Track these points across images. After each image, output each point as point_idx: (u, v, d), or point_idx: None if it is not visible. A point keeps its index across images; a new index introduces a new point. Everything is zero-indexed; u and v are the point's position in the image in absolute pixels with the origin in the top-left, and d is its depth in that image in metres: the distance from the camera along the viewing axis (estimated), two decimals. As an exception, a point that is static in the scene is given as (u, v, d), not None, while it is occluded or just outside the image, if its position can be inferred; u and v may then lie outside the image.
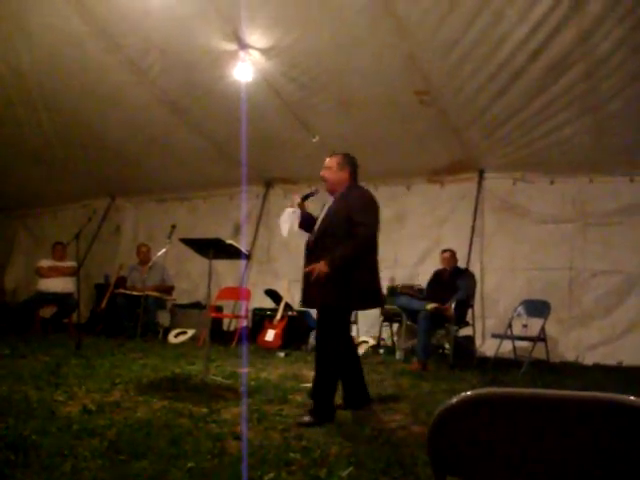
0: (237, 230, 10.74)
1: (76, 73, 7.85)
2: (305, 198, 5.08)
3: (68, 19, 6.88)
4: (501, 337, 8.00)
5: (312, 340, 8.76)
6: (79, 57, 7.52)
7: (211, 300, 6.85)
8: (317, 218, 4.91)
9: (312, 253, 4.71)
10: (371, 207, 4.73)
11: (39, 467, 3.10)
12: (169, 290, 10.55)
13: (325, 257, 4.49)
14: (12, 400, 4.58)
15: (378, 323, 9.34)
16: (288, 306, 9.56)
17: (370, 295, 4.77)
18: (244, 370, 6.72)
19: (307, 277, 4.62)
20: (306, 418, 4.41)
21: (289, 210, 4.98)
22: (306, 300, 4.82)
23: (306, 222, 4.99)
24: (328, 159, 4.93)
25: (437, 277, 8.58)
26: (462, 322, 8.25)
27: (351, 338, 5.14)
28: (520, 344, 8.14)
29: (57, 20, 6.93)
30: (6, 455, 3.20)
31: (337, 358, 4.66)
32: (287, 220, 4.95)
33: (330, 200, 4.89)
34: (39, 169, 10.71)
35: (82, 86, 8.16)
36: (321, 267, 4.46)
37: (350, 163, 4.93)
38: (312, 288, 4.59)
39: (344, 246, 4.53)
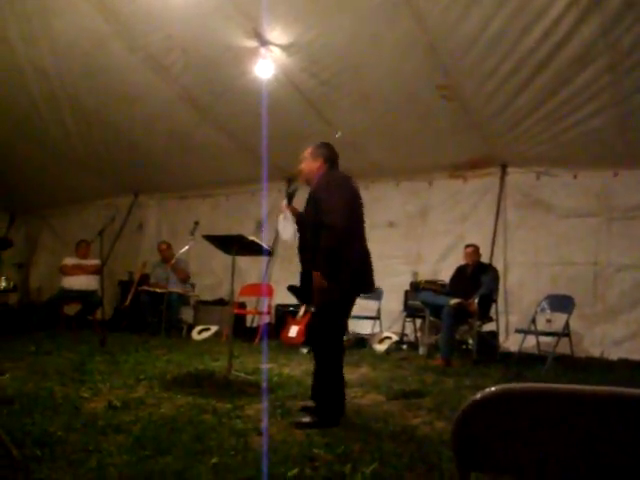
0: (259, 226, 10.75)
1: (99, 72, 7.90)
2: (289, 200, 4.93)
3: (90, 19, 6.93)
4: (525, 332, 7.95)
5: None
6: (102, 56, 7.57)
7: (234, 296, 6.87)
8: None
9: (303, 248, 4.71)
10: (335, 190, 4.49)
11: (65, 463, 3.12)
12: (187, 277, 10.61)
13: (311, 256, 4.47)
14: (38, 397, 4.62)
15: (401, 319, 9.33)
16: (311, 302, 9.56)
17: (359, 279, 4.60)
18: (266, 366, 6.74)
19: (303, 276, 4.63)
20: (305, 419, 4.28)
21: (280, 218, 4.92)
22: (305, 298, 4.82)
23: (304, 221, 4.80)
24: (304, 152, 4.89)
25: (460, 272, 8.55)
26: (485, 317, 8.22)
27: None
28: (544, 339, 8.10)
29: (80, 20, 6.98)
30: (32, 451, 3.24)
31: (339, 354, 4.50)
32: (283, 227, 4.90)
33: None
34: (62, 168, 10.79)
35: (105, 85, 8.21)
36: (319, 283, 4.37)
37: (323, 152, 4.81)
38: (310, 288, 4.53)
39: (320, 251, 4.39)
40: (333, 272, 4.37)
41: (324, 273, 4.34)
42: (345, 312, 4.62)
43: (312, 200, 4.60)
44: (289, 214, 4.86)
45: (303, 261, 4.67)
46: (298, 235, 4.83)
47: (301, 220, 4.81)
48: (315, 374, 4.55)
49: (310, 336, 4.78)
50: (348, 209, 4.45)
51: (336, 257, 4.37)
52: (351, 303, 4.66)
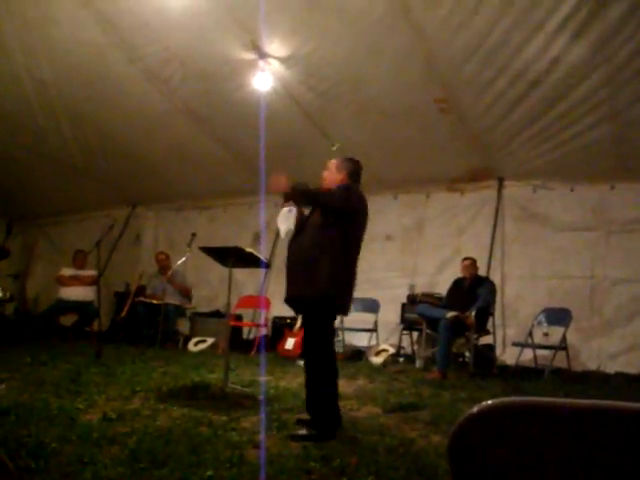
0: (257, 238, 10.74)
1: (97, 83, 7.92)
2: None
3: (89, 30, 6.95)
4: (522, 345, 7.96)
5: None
6: (100, 67, 7.59)
7: (231, 309, 6.86)
8: None
9: (293, 260, 4.72)
10: (350, 194, 4.62)
11: (59, 475, 3.11)
12: (188, 292, 10.62)
13: (311, 251, 4.51)
14: (33, 408, 4.60)
15: (398, 331, 9.32)
16: (307, 314, 9.54)
17: (341, 295, 4.58)
18: (263, 378, 6.72)
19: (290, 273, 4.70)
20: (301, 432, 4.25)
21: (285, 210, 4.85)
22: (291, 300, 4.80)
23: (303, 222, 4.84)
24: (331, 160, 4.90)
25: (457, 285, 8.55)
26: (482, 330, 8.22)
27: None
28: (541, 353, 8.10)
29: (78, 31, 7.00)
30: (27, 462, 3.21)
31: (332, 364, 4.48)
32: (284, 220, 4.83)
33: None
34: (60, 178, 10.81)
35: (103, 96, 8.23)
36: (281, 180, 4.56)
37: (348, 166, 4.83)
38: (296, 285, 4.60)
39: (316, 189, 4.63)
40: (332, 285, 4.42)
41: (292, 187, 4.57)
42: (330, 323, 4.63)
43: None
44: (295, 209, 4.82)
45: (290, 278, 4.70)
46: (291, 235, 4.79)
47: (301, 221, 4.79)
48: (308, 386, 4.53)
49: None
50: (352, 209, 4.59)
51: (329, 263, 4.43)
52: (334, 317, 4.74)
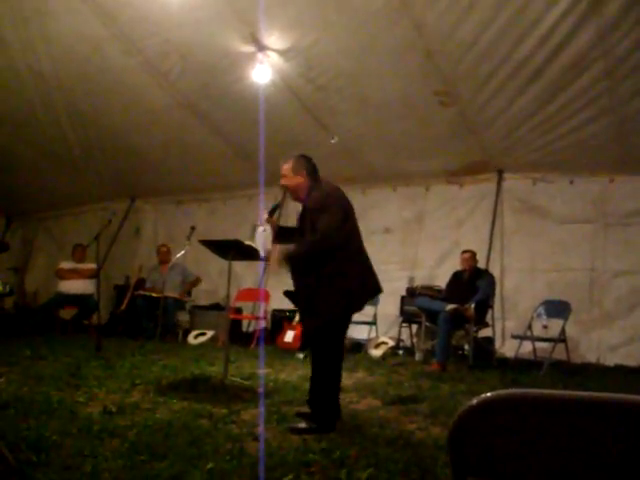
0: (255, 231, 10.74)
1: (96, 76, 7.90)
2: (272, 213, 4.77)
3: (88, 22, 6.92)
4: (521, 338, 7.96)
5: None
6: (99, 60, 7.57)
7: (230, 301, 6.86)
8: (295, 228, 4.74)
9: (295, 270, 4.55)
10: (329, 204, 4.45)
11: (60, 467, 3.12)
12: (196, 283, 10.70)
13: (310, 270, 4.40)
14: (33, 401, 4.61)
15: (397, 324, 9.32)
16: (307, 307, 9.53)
17: (358, 296, 4.57)
18: (262, 371, 6.73)
19: (300, 293, 4.56)
20: (301, 424, 4.26)
21: (259, 230, 4.78)
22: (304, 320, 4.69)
23: (282, 235, 4.75)
24: (284, 167, 4.70)
25: (456, 278, 8.55)
26: (482, 323, 8.23)
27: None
28: (540, 345, 8.10)
29: (77, 24, 6.97)
30: (27, 455, 3.23)
31: (339, 360, 4.51)
32: (261, 241, 4.79)
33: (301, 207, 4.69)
34: (59, 171, 10.79)
35: (102, 89, 8.21)
36: (275, 263, 4.46)
37: (303, 165, 4.69)
38: (305, 310, 4.53)
39: (301, 243, 4.48)
40: (336, 289, 4.38)
41: (285, 256, 4.43)
42: (345, 324, 4.62)
43: (308, 218, 4.53)
44: (269, 227, 4.72)
45: (295, 276, 4.59)
46: (270, 247, 4.76)
47: (283, 234, 4.72)
48: (313, 380, 4.51)
49: (306, 341, 4.67)
50: (339, 218, 4.43)
51: (333, 275, 4.38)
52: (350, 316, 4.67)
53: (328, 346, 4.45)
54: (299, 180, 4.64)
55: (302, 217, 4.64)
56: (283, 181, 4.68)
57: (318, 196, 4.52)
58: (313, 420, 4.30)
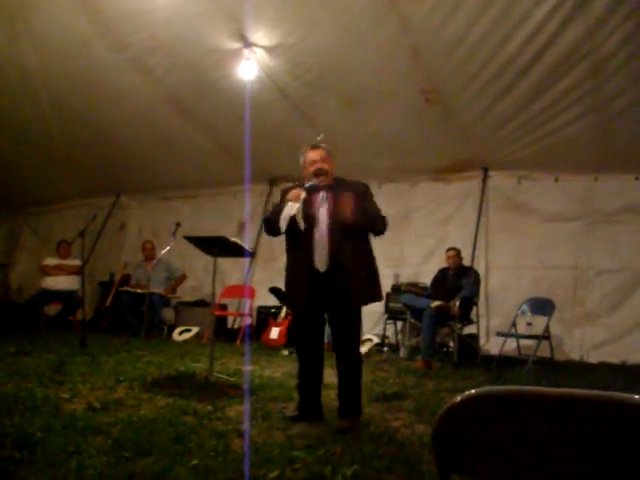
0: (241, 228, 10.73)
1: (82, 72, 7.86)
2: (311, 191, 4.60)
3: (74, 18, 6.89)
4: (505, 335, 7.99)
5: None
6: (85, 56, 7.53)
7: (215, 298, 6.85)
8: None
9: (333, 242, 4.46)
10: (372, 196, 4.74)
11: (44, 464, 3.11)
12: (181, 280, 10.69)
13: (347, 252, 4.44)
14: (17, 397, 4.59)
15: (382, 321, 9.33)
16: (292, 304, 9.54)
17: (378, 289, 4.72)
18: (247, 368, 6.72)
19: (333, 283, 4.45)
20: (344, 424, 4.28)
21: (294, 207, 4.47)
22: (332, 305, 4.56)
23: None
24: (319, 151, 4.69)
25: (442, 275, 8.57)
26: (466, 320, 8.26)
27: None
28: (524, 342, 8.14)
29: (63, 19, 6.94)
30: (11, 452, 3.22)
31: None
32: (290, 216, 4.63)
33: (322, 193, 4.61)
34: (45, 167, 10.74)
35: (88, 85, 8.17)
36: (348, 199, 4.44)
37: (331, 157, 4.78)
38: (339, 295, 4.45)
39: (373, 216, 4.59)
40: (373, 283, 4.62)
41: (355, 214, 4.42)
42: None
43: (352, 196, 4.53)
44: (300, 205, 4.53)
45: (331, 259, 4.48)
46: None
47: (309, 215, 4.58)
48: (343, 381, 4.51)
49: (309, 338, 4.62)
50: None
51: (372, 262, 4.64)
52: None
53: (358, 341, 4.67)
54: (332, 168, 4.70)
55: (334, 201, 4.56)
56: (326, 164, 4.64)
57: (367, 186, 4.76)
58: (354, 416, 4.41)
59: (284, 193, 4.73)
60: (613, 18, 5.91)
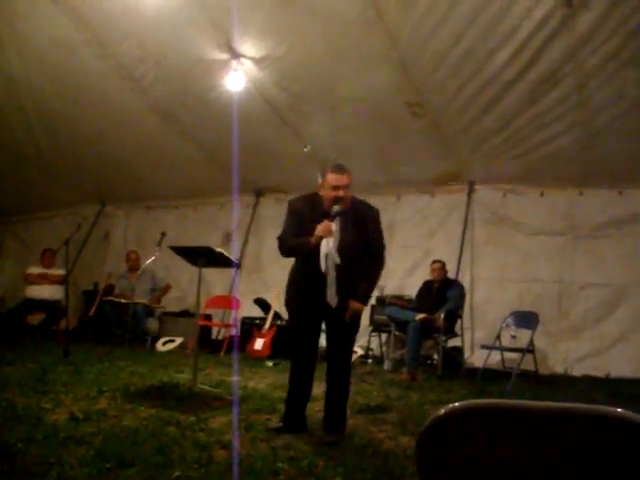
0: (227, 239, 10.72)
1: (68, 79, 7.84)
2: (334, 217, 4.45)
3: (61, 26, 6.88)
4: (490, 348, 8.00)
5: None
6: (71, 64, 7.51)
7: (200, 308, 6.83)
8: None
9: (340, 278, 4.37)
10: (379, 224, 4.75)
11: (25, 475, 3.08)
12: (166, 290, 10.66)
13: (354, 281, 4.47)
14: (-2, 407, 4.56)
15: (367, 333, 9.32)
16: (277, 315, 9.54)
17: None
18: (234, 379, 6.70)
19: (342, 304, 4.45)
20: (331, 438, 4.27)
21: (330, 242, 4.36)
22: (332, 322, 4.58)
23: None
24: (343, 176, 4.49)
25: (426, 288, 8.59)
26: (451, 333, 8.27)
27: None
28: (509, 355, 8.14)
29: (50, 27, 6.93)
30: (-8, 463, 3.19)
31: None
32: (326, 254, 4.54)
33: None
34: (29, 175, 10.67)
35: (74, 93, 8.15)
36: (359, 308, 4.50)
37: None
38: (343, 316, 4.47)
39: (371, 282, 4.65)
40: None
41: (365, 303, 4.61)
42: None
43: (355, 226, 4.52)
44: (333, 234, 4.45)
45: (339, 283, 4.40)
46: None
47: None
48: (333, 393, 4.54)
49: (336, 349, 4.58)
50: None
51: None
52: None
53: (351, 353, 4.77)
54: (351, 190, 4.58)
55: (345, 226, 4.50)
56: (347, 192, 4.49)
57: (374, 213, 4.76)
58: (339, 429, 4.42)
59: (294, 207, 4.66)
60: (598, 34, 5.96)
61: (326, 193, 4.50)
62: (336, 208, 4.41)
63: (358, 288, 4.50)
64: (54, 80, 7.88)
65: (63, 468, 3.22)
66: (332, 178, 4.48)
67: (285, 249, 4.64)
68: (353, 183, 4.58)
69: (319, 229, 4.33)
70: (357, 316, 4.54)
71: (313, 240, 4.35)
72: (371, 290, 4.65)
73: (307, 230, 4.41)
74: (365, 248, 4.56)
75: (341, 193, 4.42)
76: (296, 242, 4.56)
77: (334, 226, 4.38)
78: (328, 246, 4.33)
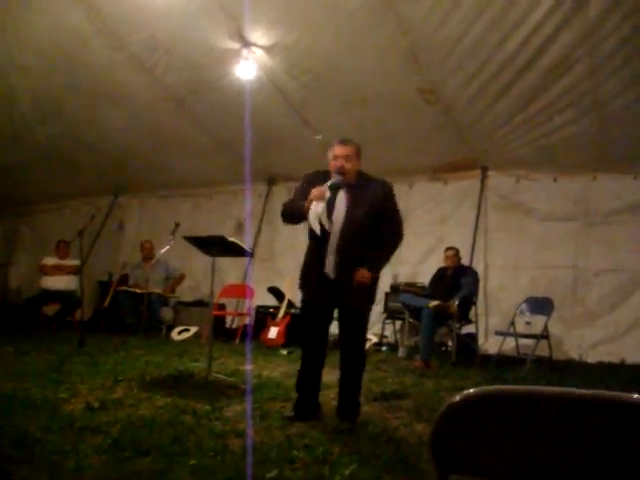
0: (240, 228, 10.73)
1: (81, 71, 7.85)
2: (334, 188, 4.53)
3: (73, 17, 6.89)
4: (504, 334, 7.99)
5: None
6: (84, 55, 7.52)
7: (214, 297, 6.85)
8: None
9: (342, 249, 4.46)
10: (395, 201, 4.76)
11: (43, 464, 3.11)
12: (180, 280, 10.73)
13: (360, 254, 4.45)
14: (16, 397, 4.59)
15: (381, 320, 9.32)
16: (291, 304, 9.55)
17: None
18: (247, 367, 6.72)
19: (344, 278, 4.47)
20: (345, 425, 4.30)
21: (320, 206, 4.45)
22: (340, 305, 4.58)
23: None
24: (345, 147, 4.57)
25: (440, 274, 8.57)
26: (465, 319, 8.26)
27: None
28: (523, 342, 8.13)
29: (62, 18, 6.93)
30: (10, 452, 3.22)
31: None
32: (319, 215, 4.60)
33: (341, 191, 4.57)
34: (43, 166, 10.71)
35: (87, 84, 8.16)
36: (366, 275, 4.44)
37: (360, 153, 4.70)
38: (350, 292, 4.46)
39: (384, 251, 4.62)
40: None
41: (374, 271, 4.54)
42: None
43: (364, 201, 4.55)
44: (324, 204, 4.50)
45: (341, 259, 4.47)
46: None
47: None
48: (345, 380, 4.56)
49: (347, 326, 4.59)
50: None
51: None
52: None
53: (366, 328, 4.70)
54: (357, 166, 4.65)
55: (351, 201, 4.56)
56: (347, 164, 4.55)
57: (389, 189, 4.74)
58: (353, 416, 4.45)
59: (306, 178, 4.74)
60: (611, 19, 5.90)
61: (330, 164, 4.61)
62: (334, 178, 4.50)
63: (369, 258, 4.52)
64: (67, 71, 7.88)
65: (80, 457, 3.25)
66: (335, 149, 4.60)
67: (284, 213, 4.76)
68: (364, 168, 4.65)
69: (312, 192, 4.41)
70: (364, 296, 4.51)
71: (307, 203, 4.43)
72: (383, 260, 4.61)
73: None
74: (376, 225, 4.55)
75: (339, 163, 4.51)
76: (292, 204, 4.69)
77: (328, 193, 4.44)
78: (317, 210, 4.41)
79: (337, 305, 4.58)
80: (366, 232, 4.51)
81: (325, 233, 4.47)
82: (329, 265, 4.48)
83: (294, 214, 4.66)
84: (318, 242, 4.53)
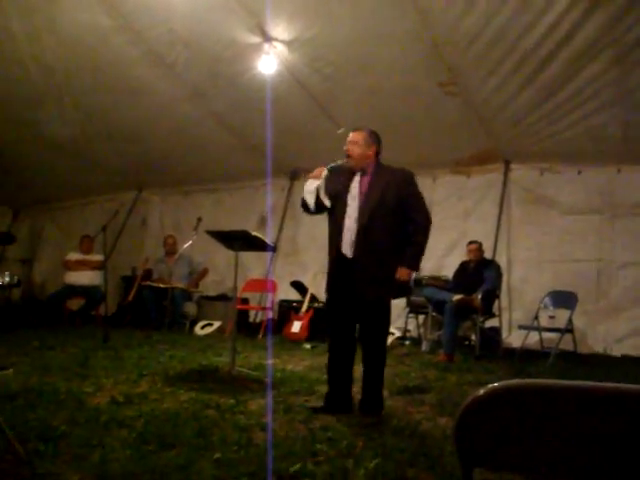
0: (263, 222, 10.75)
1: (102, 67, 7.90)
2: (332, 170, 4.66)
3: (93, 13, 6.92)
4: (528, 328, 7.95)
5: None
6: (105, 51, 7.56)
7: (237, 292, 6.87)
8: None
9: (362, 236, 4.50)
10: (418, 189, 4.78)
11: (68, 457, 3.13)
12: (203, 274, 10.81)
13: (380, 238, 4.50)
14: (42, 391, 4.63)
15: (404, 314, 9.31)
16: (314, 298, 9.56)
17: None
18: (269, 362, 6.73)
19: (360, 270, 4.50)
20: (368, 419, 4.31)
21: (315, 183, 4.62)
22: (359, 293, 4.55)
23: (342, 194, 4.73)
24: (353, 133, 4.69)
25: (463, 268, 8.54)
26: (488, 313, 8.22)
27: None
28: (547, 335, 8.09)
29: (83, 14, 6.97)
30: (36, 445, 3.24)
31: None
32: (313, 192, 4.70)
33: (357, 176, 4.67)
34: (66, 163, 10.79)
35: (108, 80, 8.20)
36: (404, 274, 4.55)
37: (376, 140, 4.74)
38: (366, 283, 4.49)
39: (417, 244, 4.63)
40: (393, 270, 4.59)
41: (414, 268, 4.68)
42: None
43: (384, 188, 4.59)
44: (321, 184, 4.64)
45: (359, 247, 4.51)
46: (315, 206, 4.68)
47: (335, 195, 4.68)
48: (367, 374, 4.59)
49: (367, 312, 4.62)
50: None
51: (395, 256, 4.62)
52: None
53: (386, 332, 4.74)
54: (369, 152, 4.68)
55: (372, 188, 4.62)
56: (352, 148, 4.65)
57: (411, 177, 4.77)
58: (376, 409, 4.51)
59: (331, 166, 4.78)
60: (636, 7, 5.83)
61: None
62: (333, 163, 4.67)
63: (403, 255, 4.59)
64: (89, 67, 7.93)
65: (105, 450, 3.27)
66: (349, 135, 4.75)
67: (302, 202, 4.80)
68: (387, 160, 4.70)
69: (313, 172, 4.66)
70: (384, 287, 4.57)
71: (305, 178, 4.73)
72: (417, 255, 4.63)
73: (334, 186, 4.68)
74: (397, 208, 4.57)
75: (346, 147, 4.65)
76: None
77: (325, 172, 4.61)
78: (309, 188, 4.64)
79: (357, 295, 4.57)
80: (383, 213, 4.53)
81: (338, 217, 4.61)
82: (346, 245, 4.54)
83: (305, 194, 4.73)
84: (332, 228, 4.68)
